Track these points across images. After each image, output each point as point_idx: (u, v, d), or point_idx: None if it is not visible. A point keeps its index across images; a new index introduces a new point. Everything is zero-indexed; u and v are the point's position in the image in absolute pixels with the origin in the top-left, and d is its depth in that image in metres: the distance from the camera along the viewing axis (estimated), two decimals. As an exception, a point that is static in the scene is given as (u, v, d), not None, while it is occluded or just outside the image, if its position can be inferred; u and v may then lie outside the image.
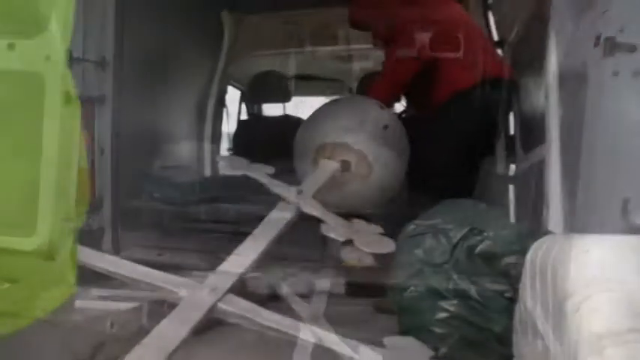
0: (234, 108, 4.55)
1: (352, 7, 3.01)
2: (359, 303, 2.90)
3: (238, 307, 1.32)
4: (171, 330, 1.17)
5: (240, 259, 1.50)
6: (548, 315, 1.21)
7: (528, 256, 1.46)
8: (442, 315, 1.75)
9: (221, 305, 1.29)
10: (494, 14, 3.35)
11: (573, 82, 1.81)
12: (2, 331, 0.36)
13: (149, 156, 3.13)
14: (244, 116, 4.73)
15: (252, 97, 4.20)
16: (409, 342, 1.41)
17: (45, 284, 0.42)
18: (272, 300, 3.28)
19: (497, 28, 3.32)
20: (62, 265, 0.48)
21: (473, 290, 1.78)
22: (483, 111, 2.71)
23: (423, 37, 2.69)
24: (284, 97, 4.19)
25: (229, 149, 4.22)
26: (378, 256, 3.36)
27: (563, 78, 1.95)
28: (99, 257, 1.41)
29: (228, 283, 1.35)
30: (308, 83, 4.63)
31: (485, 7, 3.38)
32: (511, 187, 3.27)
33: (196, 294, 1.30)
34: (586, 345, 0.97)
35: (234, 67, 4.14)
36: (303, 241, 3.68)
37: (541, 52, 2.15)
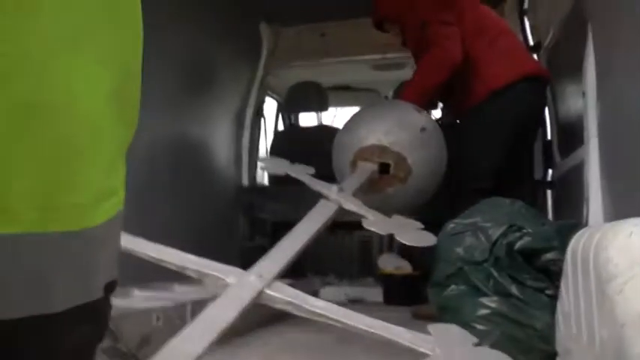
0: (271, 117, 4.65)
1: (377, 7, 3.06)
2: (397, 310, 2.92)
3: (285, 293, 1.35)
4: (221, 312, 1.21)
5: (285, 250, 1.54)
6: (592, 303, 1.21)
7: (569, 248, 1.47)
8: (483, 312, 1.75)
9: (268, 291, 1.33)
10: (529, 19, 3.37)
11: (613, 80, 1.82)
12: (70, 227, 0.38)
13: (188, 163, 3.22)
14: (281, 126, 4.82)
15: (289, 107, 4.27)
16: (452, 328, 1.42)
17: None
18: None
19: (533, 33, 3.33)
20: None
21: (513, 287, 1.78)
22: (519, 111, 2.70)
23: (454, 41, 2.70)
24: (320, 107, 4.25)
25: (266, 157, 4.29)
26: (415, 264, 3.39)
27: (601, 78, 1.95)
28: (145, 245, 1.46)
29: (274, 270, 1.39)
30: (344, 93, 4.70)
31: (521, 12, 3.40)
32: (549, 192, 3.27)
33: (244, 280, 1.34)
34: (632, 326, 0.97)
35: (271, 77, 4.22)
36: (341, 251, 3.74)
37: (578, 55, 2.16)
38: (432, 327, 1.37)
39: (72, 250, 0.44)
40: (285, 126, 4.77)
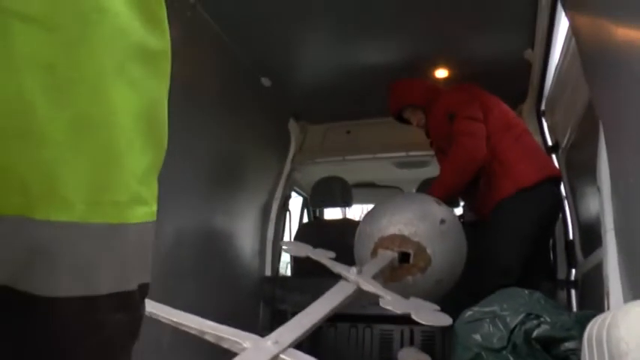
0: (296, 212, 4.75)
1: (399, 94, 3.26)
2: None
3: (300, 359, 1.39)
4: None
5: (301, 320, 1.60)
6: (607, 384, 1.22)
7: (586, 332, 1.47)
8: (502, 398, 1.74)
9: (283, 356, 1.37)
10: (547, 120, 3.50)
11: (625, 175, 1.88)
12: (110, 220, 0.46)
13: (213, 252, 3.30)
14: (305, 219, 4.91)
15: (314, 201, 4.37)
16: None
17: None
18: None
19: (551, 134, 3.45)
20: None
21: (532, 376, 1.77)
22: (543, 209, 2.77)
23: (479, 140, 2.83)
24: (345, 203, 4.34)
25: (290, 251, 4.35)
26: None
27: (614, 174, 2.02)
28: (168, 310, 1.53)
29: (290, 338, 1.44)
30: (368, 190, 4.80)
31: (539, 113, 3.54)
32: (573, 292, 3.24)
33: (260, 344, 1.39)
34: (640, 399, 0.99)
35: (297, 172, 4.37)
36: (362, 344, 3.69)
37: (594, 155, 2.23)
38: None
39: (111, 241, 0.52)
40: (309, 219, 4.86)
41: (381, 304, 1.95)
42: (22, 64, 0.45)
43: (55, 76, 0.47)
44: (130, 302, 0.55)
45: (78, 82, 0.48)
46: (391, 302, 1.90)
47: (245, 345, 1.42)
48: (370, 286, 2.01)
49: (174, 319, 1.51)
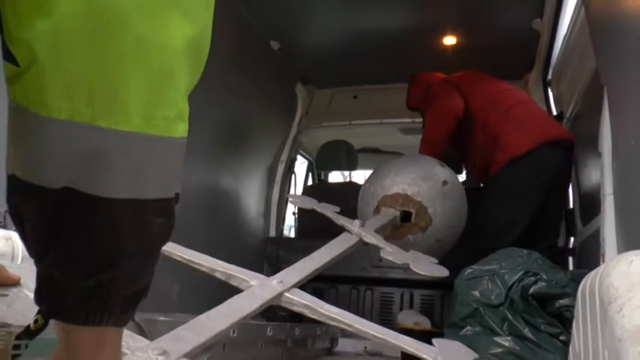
0: (301, 175, 4.81)
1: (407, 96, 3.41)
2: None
3: (303, 298, 1.51)
4: (243, 303, 1.36)
5: (305, 264, 1.70)
6: (597, 330, 1.28)
7: (580, 287, 1.54)
8: (496, 350, 1.81)
9: (287, 295, 1.47)
10: (552, 90, 3.52)
11: (627, 140, 1.92)
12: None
13: (220, 212, 3.37)
14: (310, 183, 4.97)
15: (320, 164, 4.42)
16: (455, 343, 1.51)
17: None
18: (329, 354, 3.36)
19: (556, 103, 3.48)
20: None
21: (527, 330, 1.84)
22: (542, 175, 2.81)
23: (453, 96, 3.03)
24: (350, 166, 4.39)
25: (294, 213, 4.42)
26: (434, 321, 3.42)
27: (616, 138, 2.06)
28: (181, 249, 1.62)
29: (294, 279, 1.55)
30: (372, 156, 4.85)
31: (545, 83, 3.56)
32: (570, 259, 3.31)
33: (266, 283, 1.50)
34: (628, 337, 1.04)
35: (303, 136, 4.41)
36: (362, 306, 3.78)
37: (597, 124, 2.27)
38: (437, 341, 1.47)
39: (160, 152, 0.59)
40: (314, 182, 4.91)
41: (381, 254, 2.03)
42: None
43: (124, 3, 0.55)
44: (168, 208, 0.63)
45: (141, 9, 0.55)
46: (391, 253, 1.99)
47: (252, 283, 1.53)
48: (372, 238, 2.09)
49: (187, 257, 1.61)
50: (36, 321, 0.63)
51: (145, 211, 0.60)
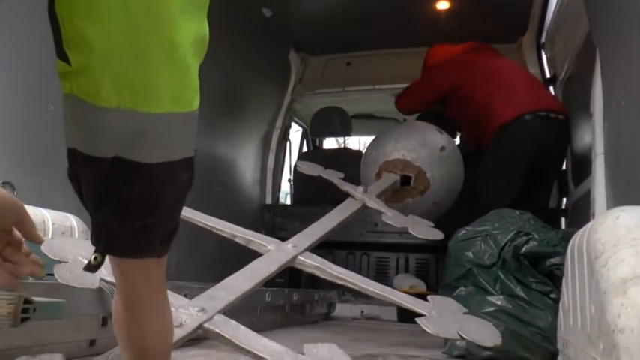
0: (296, 142, 4.84)
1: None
2: (410, 327, 3.01)
3: (314, 260, 1.71)
4: (263, 265, 1.57)
5: (315, 229, 1.92)
6: (585, 285, 1.32)
7: (569, 244, 1.58)
8: (489, 308, 1.86)
9: (301, 257, 1.68)
10: (546, 53, 3.53)
11: (617, 100, 1.95)
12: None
13: (216, 180, 3.41)
14: (305, 149, 4.99)
15: (314, 130, 4.44)
16: (447, 299, 1.64)
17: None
18: (327, 319, 3.44)
19: (550, 66, 3.49)
20: None
21: (519, 289, 1.89)
22: (530, 145, 2.85)
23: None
24: (344, 132, 4.41)
25: (289, 180, 4.46)
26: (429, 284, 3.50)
27: (607, 99, 2.08)
28: (204, 216, 1.78)
29: (306, 243, 1.77)
30: (366, 122, 4.86)
31: (539, 46, 3.57)
32: (563, 220, 3.37)
33: (282, 247, 1.72)
34: (612, 292, 1.09)
35: (297, 103, 4.42)
36: (359, 270, 3.85)
37: (589, 86, 2.29)
38: (431, 297, 1.58)
39: (185, 123, 0.76)
40: (308, 150, 4.94)
41: (383, 219, 2.17)
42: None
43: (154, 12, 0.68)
44: (190, 164, 0.79)
45: (169, 18, 0.69)
46: (392, 218, 2.13)
47: (269, 247, 1.73)
48: (374, 204, 2.23)
49: (209, 224, 1.84)
50: (95, 258, 0.79)
51: (175, 170, 0.76)
